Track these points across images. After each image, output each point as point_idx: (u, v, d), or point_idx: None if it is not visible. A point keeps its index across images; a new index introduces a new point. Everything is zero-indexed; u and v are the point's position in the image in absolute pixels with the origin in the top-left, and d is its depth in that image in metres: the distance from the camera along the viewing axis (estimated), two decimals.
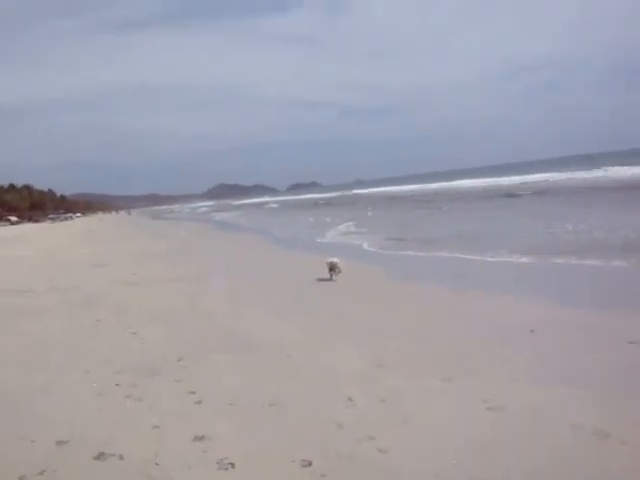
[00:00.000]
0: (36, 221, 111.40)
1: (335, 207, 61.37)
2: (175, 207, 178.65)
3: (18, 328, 9.26)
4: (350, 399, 5.25)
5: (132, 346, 7.68)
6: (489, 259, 14.55)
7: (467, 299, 10.03)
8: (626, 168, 57.13)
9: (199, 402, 5.33)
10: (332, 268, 13.25)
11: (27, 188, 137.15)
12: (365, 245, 20.51)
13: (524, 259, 13.94)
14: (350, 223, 31.63)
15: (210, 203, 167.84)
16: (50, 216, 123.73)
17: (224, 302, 10.74)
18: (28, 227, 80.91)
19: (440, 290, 11.00)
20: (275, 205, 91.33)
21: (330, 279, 13.12)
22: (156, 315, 9.75)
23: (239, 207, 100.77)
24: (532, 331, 7.56)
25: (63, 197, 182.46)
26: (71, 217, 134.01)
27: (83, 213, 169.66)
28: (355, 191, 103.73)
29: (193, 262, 18.70)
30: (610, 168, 60.81)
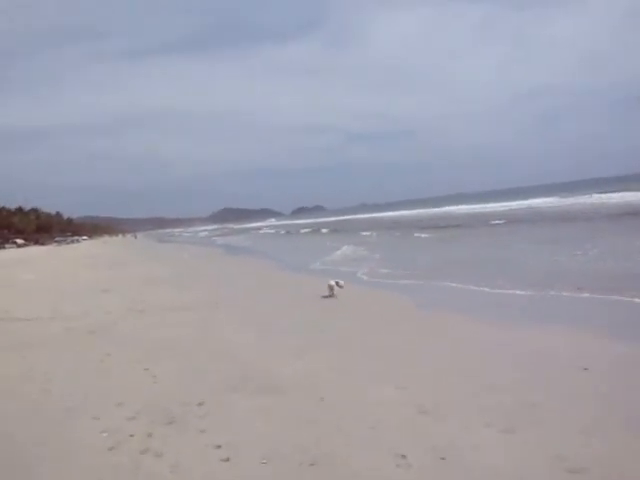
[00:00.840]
0: (42, 244, 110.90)
1: (340, 233, 60.40)
2: (181, 230, 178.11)
3: (21, 362, 8.53)
4: (403, 456, 4.49)
5: (145, 385, 6.92)
6: (498, 290, 13.75)
7: (495, 330, 9.28)
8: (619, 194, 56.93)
9: (227, 460, 4.57)
10: (332, 288, 13.89)
11: (34, 211, 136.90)
12: (366, 272, 19.80)
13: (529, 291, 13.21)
14: (351, 247, 31.02)
15: (215, 227, 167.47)
16: (56, 239, 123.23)
17: (240, 333, 9.96)
18: (34, 250, 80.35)
19: (464, 320, 10.25)
20: (272, 231, 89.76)
21: (332, 296, 13.72)
22: (168, 348, 9.00)
23: (243, 231, 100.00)
24: (586, 369, 6.82)
25: (70, 220, 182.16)
26: (77, 240, 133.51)
27: (90, 236, 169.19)
28: (359, 215, 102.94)
29: (201, 288, 17.99)
30: (611, 194, 60.15)
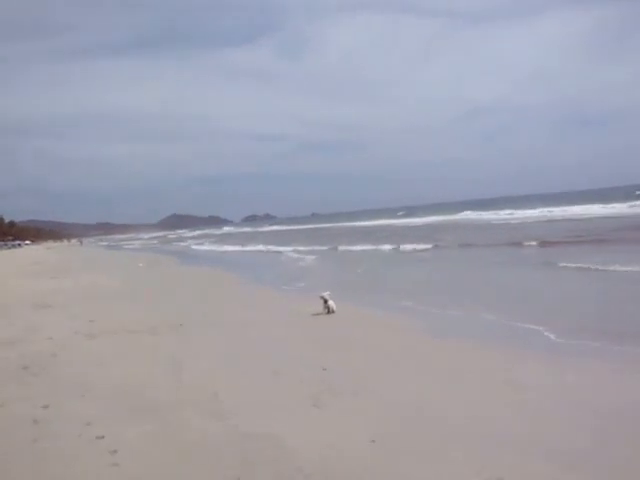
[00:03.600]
0: None
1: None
2: (129, 236, 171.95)
3: None
4: None
5: (102, 475, 4.52)
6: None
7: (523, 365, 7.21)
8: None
9: None
10: (326, 302, 11.88)
11: None
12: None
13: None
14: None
15: (164, 233, 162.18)
16: None
17: (225, 374, 7.48)
18: None
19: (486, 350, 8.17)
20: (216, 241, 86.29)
21: (326, 313, 11.80)
22: (131, 398, 6.55)
23: (193, 238, 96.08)
24: None
25: (12, 223, 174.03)
26: (19, 245, 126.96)
27: (33, 241, 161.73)
28: (310, 225, 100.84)
29: (162, 303, 15.37)
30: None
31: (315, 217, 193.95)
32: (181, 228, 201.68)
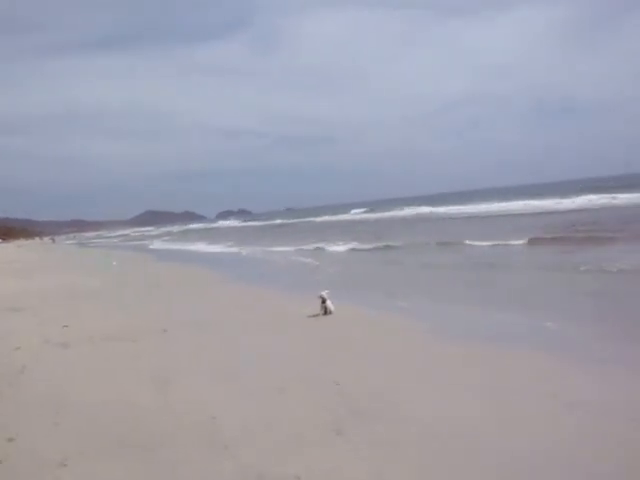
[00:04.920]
0: None
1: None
2: (102, 233, 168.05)
3: None
4: None
5: None
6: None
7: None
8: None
9: None
10: (324, 302, 10.70)
11: None
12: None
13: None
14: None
15: (140, 229, 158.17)
16: None
17: (221, 391, 6.38)
18: None
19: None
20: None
21: (324, 313, 10.69)
22: (116, 429, 5.39)
23: (170, 234, 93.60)
24: None
25: None
26: None
27: (4, 239, 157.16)
28: (282, 220, 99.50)
29: (141, 306, 14.10)
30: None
31: (289, 212, 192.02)
32: (155, 224, 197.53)
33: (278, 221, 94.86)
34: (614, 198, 47.06)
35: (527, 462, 4.26)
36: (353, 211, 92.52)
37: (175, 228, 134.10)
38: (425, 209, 70.62)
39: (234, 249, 38.13)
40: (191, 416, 5.59)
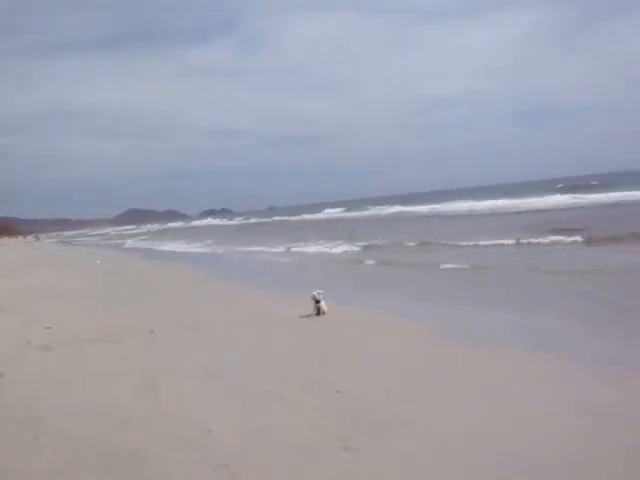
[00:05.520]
0: None
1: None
2: (84, 232, 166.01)
3: None
4: None
5: None
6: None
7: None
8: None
9: None
10: (317, 302, 10.18)
11: None
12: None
13: None
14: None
15: (121, 228, 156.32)
16: None
17: (215, 399, 5.88)
18: None
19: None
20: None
21: (316, 314, 10.17)
22: (104, 448, 4.88)
23: (147, 233, 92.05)
24: None
25: None
26: None
27: None
28: (258, 219, 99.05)
29: (127, 304, 13.55)
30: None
31: (272, 210, 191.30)
32: (138, 223, 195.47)
33: (253, 220, 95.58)
34: (580, 198, 47.62)
35: (541, 467, 3.85)
36: (326, 210, 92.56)
37: (155, 227, 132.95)
38: (400, 208, 70.67)
39: (207, 249, 37.47)
40: (185, 428, 5.10)
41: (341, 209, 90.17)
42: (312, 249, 27.88)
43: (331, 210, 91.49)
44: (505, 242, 21.48)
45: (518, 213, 40.59)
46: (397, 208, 71.18)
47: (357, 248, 25.62)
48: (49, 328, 10.51)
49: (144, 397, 6.07)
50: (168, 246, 45.55)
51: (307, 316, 10.21)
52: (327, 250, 26.54)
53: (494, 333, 8.46)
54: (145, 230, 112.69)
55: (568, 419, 4.84)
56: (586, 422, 4.71)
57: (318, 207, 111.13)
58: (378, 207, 77.66)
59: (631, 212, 30.06)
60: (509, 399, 5.43)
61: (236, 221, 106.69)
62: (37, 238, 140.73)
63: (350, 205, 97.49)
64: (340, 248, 26.42)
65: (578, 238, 20.27)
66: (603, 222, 25.04)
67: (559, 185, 67.86)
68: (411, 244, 24.62)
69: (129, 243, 59.79)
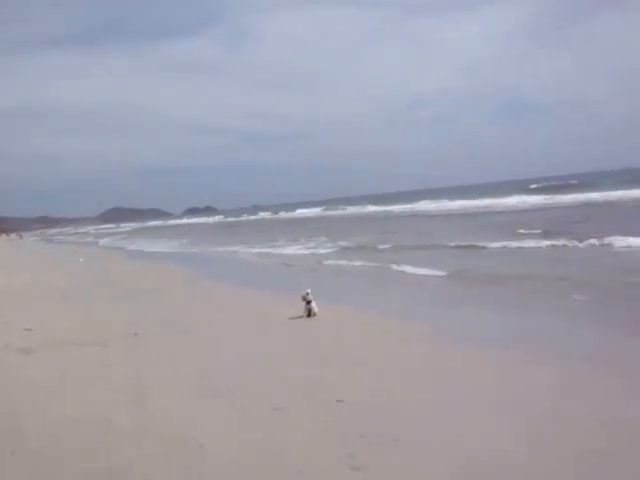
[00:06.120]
0: None
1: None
2: (69, 230, 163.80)
3: None
4: None
5: None
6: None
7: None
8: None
9: None
10: (308, 303, 9.78)
11: None
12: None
13: None
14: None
15: (106, 226, 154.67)
16: None
17: (206, 410, 5.40)
18: None
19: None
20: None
21: (307, 315, 9.77)
22: (85, 458, 4.44)
23: (130, 232, 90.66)
24: None
25: None
26: None
27: None
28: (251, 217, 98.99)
29: (112, 306, 12.94)
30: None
31: (256, 209, 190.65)
32: (121, 221, 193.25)
33: (231, 219, 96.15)
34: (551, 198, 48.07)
35: None
36: (299, 210, 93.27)
37: (133, 225, 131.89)
38: (372, 208, 71.78)
39: (180, 249, 36.82)
40: (174, 443, 4.65)
41: (319, 209, 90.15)
42: (287, 250, 27.35)
43: (306, 210, 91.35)
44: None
45: (477, 214, 41.11)
46: (370, 208, 72.09)
47: (334, 249, 25.21)
48: (30, 330, 9.97)
49: (130, 408, 5.60)
50: (140, 245, 44.74)
51: (298, 317, 9.81)
52: (301, 252, 25.89)
53: (494, 334, 8.14)
54: (126, 229, 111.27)
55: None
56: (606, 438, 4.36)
57: (302, 205, 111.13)
58: (352, 206, 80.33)
59: (587, 212, 30.48)
60: (519, 409, 5.05)
61: (214, 220, 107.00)
62: (20, 236, 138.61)
63: (328, 204, 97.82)
64: (319, 249, 25.94)
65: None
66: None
67: (533, 185, 68.39)
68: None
69: (102, 242, 58.85)
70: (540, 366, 6.44)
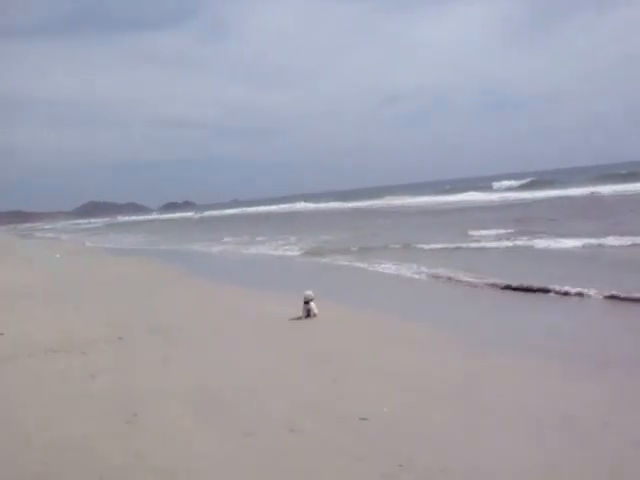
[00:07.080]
0: None
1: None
2: (43, 225, 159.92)
3: None
4: None
5: None
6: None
7: None
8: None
9: None
10: (309, 303, 9.01)
11: None
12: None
13: None
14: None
15: (75, 221, 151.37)
16: None
17: (208, 432, 4.57)
18: None
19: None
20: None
21: (306, 317, 8.99)
22: None
23: (100, 227, 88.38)
24: None
25: None
26: None
27: None
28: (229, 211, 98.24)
29: (93, 306, 11.97)
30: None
31: (235, 203, 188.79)
32: (97, 216, 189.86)
33: (207, 213, 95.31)
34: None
35: None
36: (263, 207, 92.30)
37: (105, 220, 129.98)
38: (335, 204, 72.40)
39: (153, 246, 35.63)
40: (167, 476, 3.86)
41: (288, 204, 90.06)
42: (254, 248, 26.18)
43: (273, 207, 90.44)
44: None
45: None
46: (333, 204, 72.76)
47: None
48: (5, 335, 9.05)
49: (117, 432, 4.77)
50: (114, 241, 43.28)
51: (297, 318, 9.03)
52: (271, 252, 24.64)
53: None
54: (97, 225, 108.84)
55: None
56: None
57: (283, 200, 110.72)
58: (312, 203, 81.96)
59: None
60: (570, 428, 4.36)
61: (187, 215, 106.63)
62: None
63: (307, 198, 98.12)
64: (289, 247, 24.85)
65: None
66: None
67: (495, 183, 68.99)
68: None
69: (76, 237, 57.18)
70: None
